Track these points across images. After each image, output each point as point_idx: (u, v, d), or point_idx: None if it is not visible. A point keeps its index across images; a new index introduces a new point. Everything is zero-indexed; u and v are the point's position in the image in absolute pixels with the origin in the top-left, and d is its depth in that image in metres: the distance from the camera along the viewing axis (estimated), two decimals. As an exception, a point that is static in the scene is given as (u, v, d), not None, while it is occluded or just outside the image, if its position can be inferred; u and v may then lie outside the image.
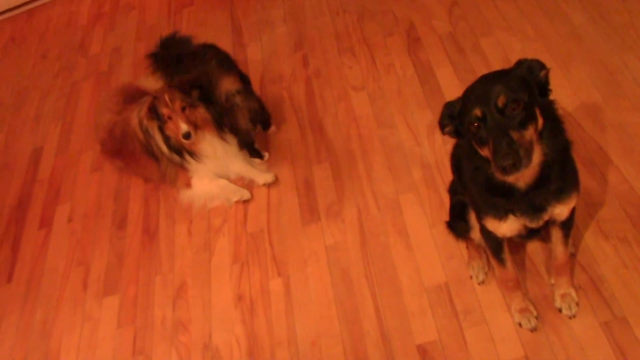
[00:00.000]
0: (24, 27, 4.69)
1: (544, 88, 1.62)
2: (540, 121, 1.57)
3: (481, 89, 1.58)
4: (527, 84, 1.58)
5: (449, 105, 1.69)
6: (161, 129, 2.70)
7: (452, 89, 2.89)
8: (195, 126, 2.65)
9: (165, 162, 2.86)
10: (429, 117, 2.84)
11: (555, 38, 2.92)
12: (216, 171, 2.87)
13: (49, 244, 3.04)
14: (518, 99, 1.51)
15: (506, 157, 1.47)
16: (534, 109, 1.56)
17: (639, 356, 1.92)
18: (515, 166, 1.49)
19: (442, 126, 1.72)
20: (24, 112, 3.90)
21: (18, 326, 2.75)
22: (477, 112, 1.53)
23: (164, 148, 2.76)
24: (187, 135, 2.60)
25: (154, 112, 2.65)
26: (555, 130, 1.66)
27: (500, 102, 1.51)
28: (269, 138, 3.07)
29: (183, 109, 2.62)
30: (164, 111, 2.62)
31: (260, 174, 2.86)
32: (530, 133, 1.54)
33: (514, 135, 1.50)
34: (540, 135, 1.59)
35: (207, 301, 2.56)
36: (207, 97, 2.68)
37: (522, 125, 1.52)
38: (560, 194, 1.73)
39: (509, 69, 1.64)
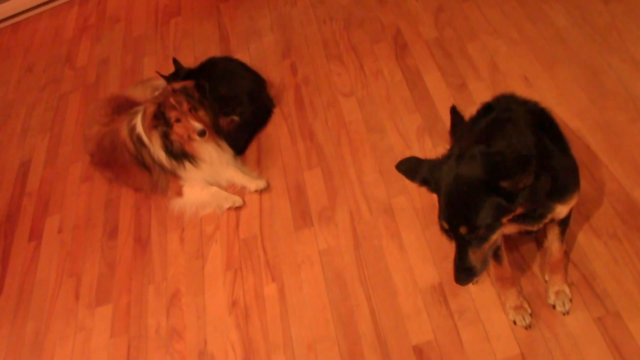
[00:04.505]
0: (9, 40, 4.67)
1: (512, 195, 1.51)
2: (530, 178, 1.49)
3: (447, 200, 1.55)
4: (494, 197, 1.49)
5: (428, 164, 1.64)
6: (164, 135, 2.71)
7: (440, 93, 2.92)
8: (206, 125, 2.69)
9: (157, 171, 2.86)
10: (419, 121, 2.86)
11: (540, 41, 2.96)
12: (209, 178, 2.87)
13: (39, 255, 3.01)
14: (480, 226, 1.52)
15: (459, 276, 1.59)
16: (500, 222, 1.54)
17: (633, 350, 1.94)
18: (466, 281, 1.62)
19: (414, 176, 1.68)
20: (10, 126, 3.87)
21: (10, 339, 2.72)
22: (444, 224, 1.58)
23: (162, 154, 2.76)
24: (202, 133, 2.64)
25: (160, 118, 2.66)
26: (556, 147, 1.70)
27: (462, 231, 1.54)
28: (260, 145, 3.07)
29: (190, 110, 2.65)
30: (172, 114, 2.64)
31: (252, 181, 2.86)
32: (492, 241, 1.59)
33: (472, 255, 1.57)
34: (541, 165, 1.54)
35: (201, 308, 2.55)
36: (207, 99, 2.74)
37: (484, 239, 1.56)
38: (561, 195, 1.75)
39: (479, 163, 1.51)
